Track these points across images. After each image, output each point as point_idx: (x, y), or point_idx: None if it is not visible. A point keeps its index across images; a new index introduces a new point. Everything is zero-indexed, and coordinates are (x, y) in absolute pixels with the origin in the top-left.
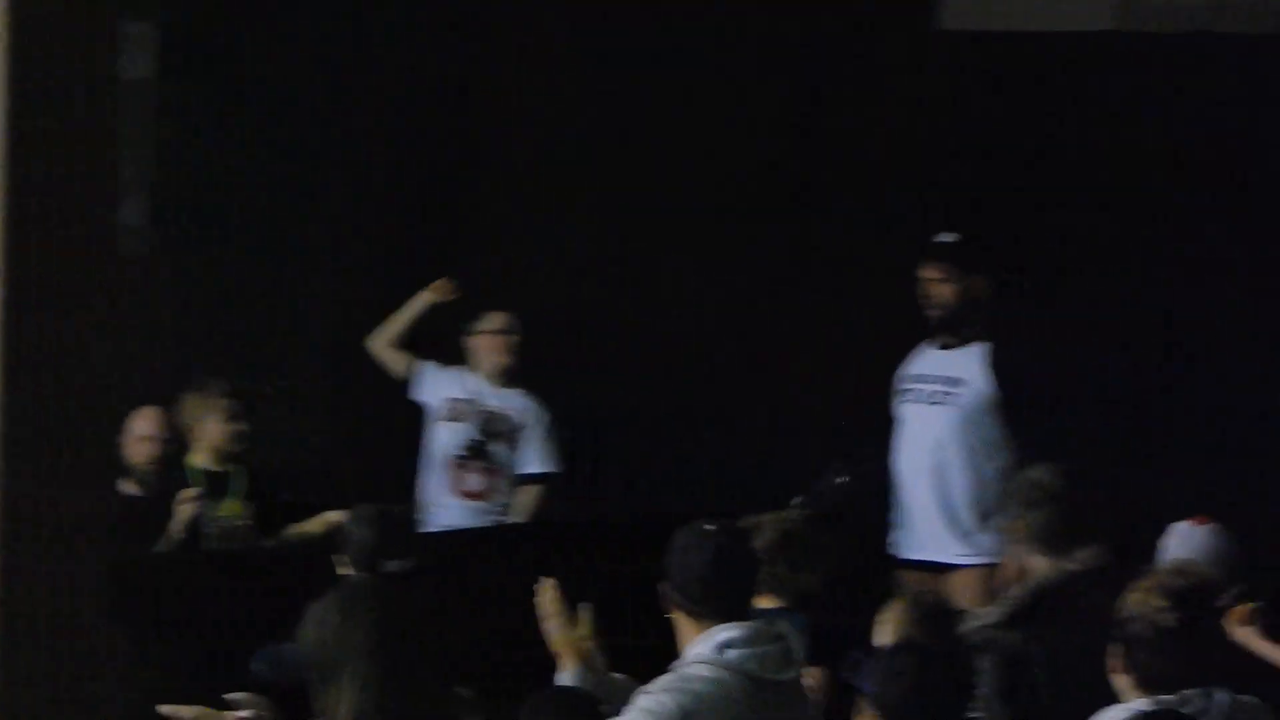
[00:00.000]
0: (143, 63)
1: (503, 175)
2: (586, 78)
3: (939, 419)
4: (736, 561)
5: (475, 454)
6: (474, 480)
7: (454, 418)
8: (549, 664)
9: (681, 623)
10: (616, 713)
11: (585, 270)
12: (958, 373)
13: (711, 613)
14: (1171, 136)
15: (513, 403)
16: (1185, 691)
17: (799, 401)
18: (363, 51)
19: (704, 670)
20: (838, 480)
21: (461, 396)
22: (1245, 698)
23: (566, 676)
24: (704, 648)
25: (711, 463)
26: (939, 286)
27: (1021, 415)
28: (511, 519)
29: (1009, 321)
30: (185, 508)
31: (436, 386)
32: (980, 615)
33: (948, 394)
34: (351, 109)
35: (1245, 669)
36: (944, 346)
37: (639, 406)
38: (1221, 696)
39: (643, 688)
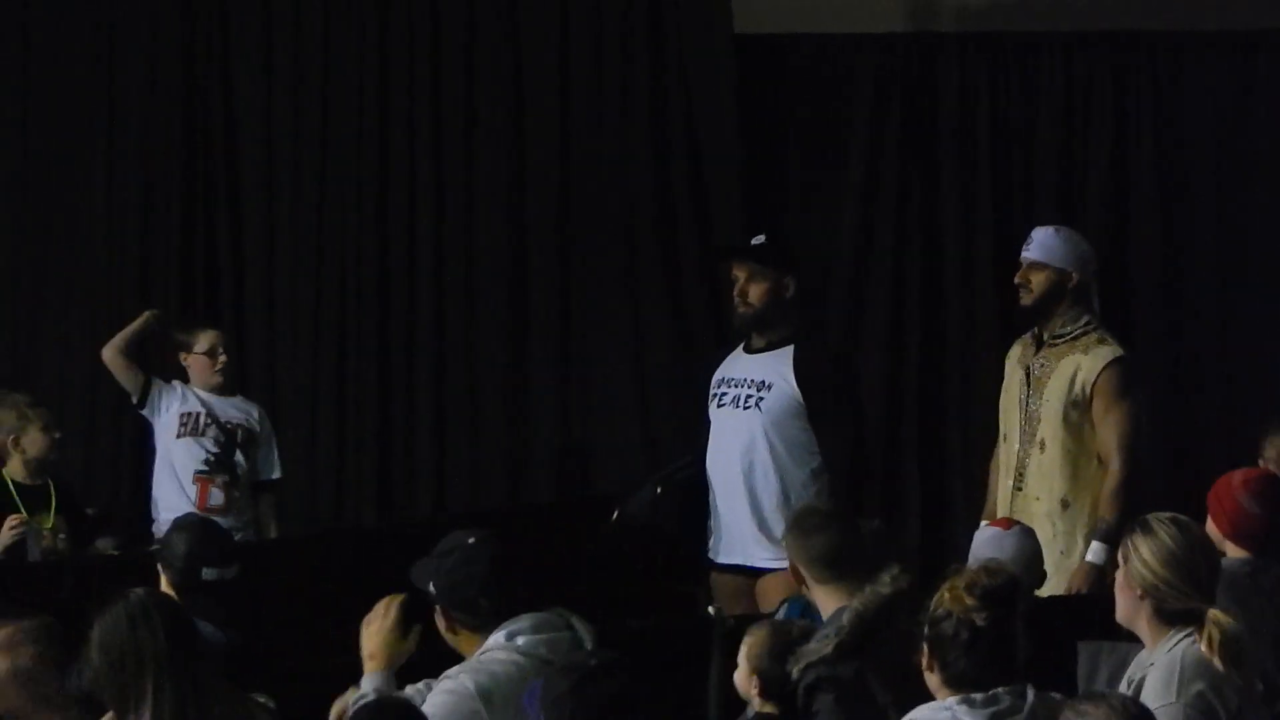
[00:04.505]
0: None
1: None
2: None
3: (748, 422)
4: (509, 563)
5: (218, 467)
6: (217, 495)
7: (191, 433)
8: (351, 672)
9: (465, 640)
10: None
11: None
12: (766, 375)
13: (495, 619)
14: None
15: (242, 410)
16: (997, 690)
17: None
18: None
19: (499, 654)
20: (655, 491)
21: (195, 410)
22: (1050, 694)
23: (377, 678)
24: (495, 639)
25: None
26: (748, 287)
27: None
28: (256, 528)
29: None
30: (11, 532)
31: (168, 402)
32: (805, 654)
33: (757, 397)
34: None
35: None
36: (753, 349)
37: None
38: (1031, 694)
39: (444, 673)
